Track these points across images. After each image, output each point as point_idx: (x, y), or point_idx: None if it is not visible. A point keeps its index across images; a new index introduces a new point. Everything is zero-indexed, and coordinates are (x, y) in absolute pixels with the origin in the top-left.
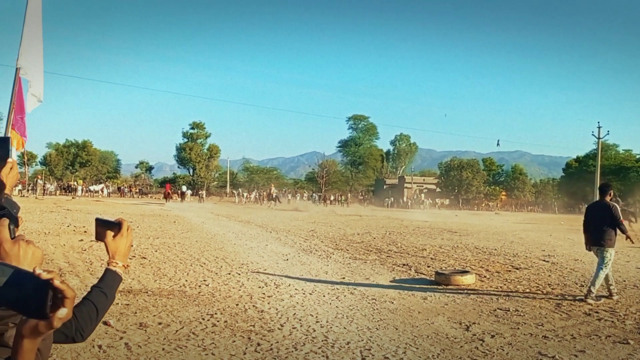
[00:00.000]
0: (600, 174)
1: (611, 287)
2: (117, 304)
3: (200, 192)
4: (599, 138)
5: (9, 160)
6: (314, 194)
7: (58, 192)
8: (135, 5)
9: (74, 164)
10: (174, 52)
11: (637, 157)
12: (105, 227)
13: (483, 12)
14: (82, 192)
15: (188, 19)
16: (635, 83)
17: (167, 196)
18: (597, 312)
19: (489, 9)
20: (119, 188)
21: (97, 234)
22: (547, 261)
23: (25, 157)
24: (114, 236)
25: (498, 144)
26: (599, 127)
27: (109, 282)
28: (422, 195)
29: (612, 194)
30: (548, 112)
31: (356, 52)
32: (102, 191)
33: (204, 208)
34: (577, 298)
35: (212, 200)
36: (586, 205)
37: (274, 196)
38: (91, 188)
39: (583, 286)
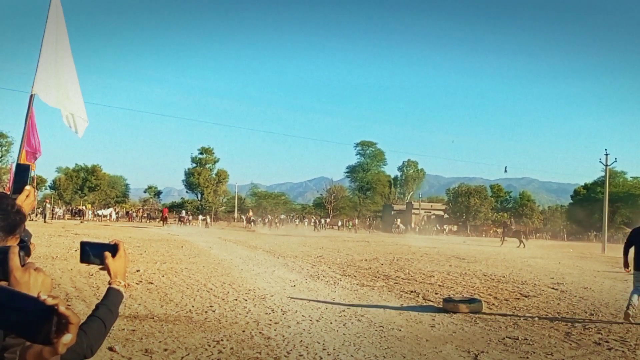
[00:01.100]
0: (609, 201)
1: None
2: (123, 329)
3: (204, 217)
4: (606, 165)
5: (27, 187)
6: (322, 219)
7: (67, 216)
8: (145, 30)
9: (83, 188)
10: (184, 79)
11: None
12: (100, 250)
13: (490, 38)
14: (90, 216)
15: (197, 46)
16: None
17: (164, 220)
18: (607, 342)
19: (496, 35)
20: (127, 212)
21: (85, 257)
22: (556, 289)
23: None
24: (114, 257)
25: (505, 171)
26: (607, 155)
27: (113, 299)
28: (423, 221)
29: None
30: (555, 139)
31: (364, 78)
32: (111, 215)
33: (209, 233)
34: (619, 321)
35: (219, 225)
36: (630, 230)
37: (251, 219)
38: (99, 212)
39: (593, 314)
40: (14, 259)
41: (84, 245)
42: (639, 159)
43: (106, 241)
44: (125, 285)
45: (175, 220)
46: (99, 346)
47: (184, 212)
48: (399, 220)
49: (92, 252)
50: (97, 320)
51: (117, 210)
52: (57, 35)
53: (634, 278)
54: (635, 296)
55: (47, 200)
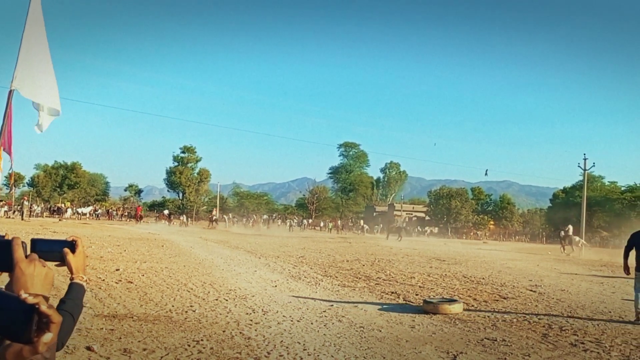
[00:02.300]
0: (586, 205)
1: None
2: (102, 329)
3: (182, 216)
4: (584, 170)
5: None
6: (303, 220)
7: (45, 214)
8: (126, 27)
9: (62, 185)
10: (166, 76)
11: (622, 189)
12: (57, 247)
13: (472, 43)
14: (69, 215)
15: (179, 44)
16: (620, 117)
17: (138, 218)
18: (583, 343)
19: (478, 39)
20: (107, 211)
21: (42, 255)
22: (535, 291)
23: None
24: (74, 253)
25: (486, 174)
26: (585, 159)
27: (77, 293)
28: (404, 224)
29: None
30: (536, 143)
31: (348, 79)
32: (91, 214)
33: (190, 232)
34: (632, 321)
35: (201, 224)
36: (631, 233)
37: (213, 219)
38: (79, 210)
39: (569, 316)
40: (19, 250)
41: (34, 243)
42: (617, 164)
43: (63, 238)
44: (86, 280)
45: (156, 219)
46: (68, 339)
47: (166, 211)
48: (362, 221)
49: (46, 249)
50: (67, 315)
51: (97, 209)
52: (36, 31)
53: (635, 280)
54: None
55: (25, 198)
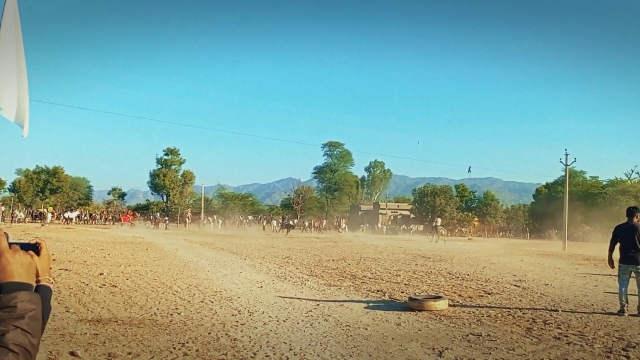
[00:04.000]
0: (569, 200)
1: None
2: (86, 333)
3: (165, 218)
4: (566, 165)
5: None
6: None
7: (27, 219)
8: (106, 29)
9: (44, 190)
10: (147, 78)
11: (603, 183)
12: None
13: (455, 41)
14: (50, 219)
15: (160, 45)
16: (600, 113)
17: (131, 221)
18: (566, 336)
19: (461, 38)
20: (90, 215)
21: None
22: (519, 286)
23: None
24: (39, 256)
25: (469, 171)
26: (567, 155)
27: (46, 294)
28: (384, 224)
29: (638, 216)
30: (518, 140)
31: (330, 79)
32: (79, 218)
33: (174, 234)
34: (616, 313)
35: (186, 227)
36: (614, 227)
37: (157, 220)
38: (66, 215)
39: (553, 310)
40: (3, 241)
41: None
42: (598, 159)
43: (26, 241)
44: (52, 282)
45: (152, 222)
46: (39, 342)
47: (158, 214)
48: (343, 221)
49: None
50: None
51: (83, 213)
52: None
53: (619, 271)
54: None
55: (5, 203)
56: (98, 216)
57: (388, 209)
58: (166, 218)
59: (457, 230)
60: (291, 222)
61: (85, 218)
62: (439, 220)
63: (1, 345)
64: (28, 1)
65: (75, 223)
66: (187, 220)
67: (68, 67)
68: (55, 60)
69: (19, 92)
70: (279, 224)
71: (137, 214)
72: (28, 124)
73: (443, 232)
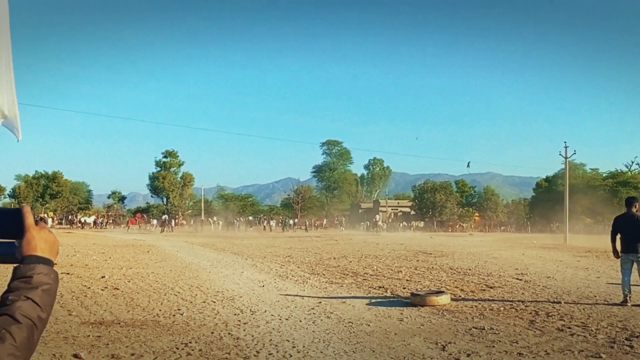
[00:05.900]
0: (569, 193)
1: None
2: (89, 336)
3: (167, 220)
4: (566, 157)
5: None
6: (289, 220)
7: None
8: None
9: (44, 195)
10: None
11: (604, 175)
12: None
13: (450, 34)
14: (51, 224)
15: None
16: (600, 105)
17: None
18: (569, 328)
19: (457, 30)
20: (113, 219)
21: None
22: (520, 279)
23: None
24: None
25: (468, 166)
26: (566, 147)
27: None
28: (381, 221)
29: (637, 205)
30: (517, 133)
31: (327, 77)
32: (95, 222)
33: (175, 236)
34: (619, 303)
35: (186, 229)
36: (614, 217)
37: (165, 223)
38: (82, 220)
39: (556, 302)
40: (29, 217)
41: None
42: (598, 151)
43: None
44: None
45: (160, 224)
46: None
47: (165, 216)
48: (343, 219)
49: None
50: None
51: (99, 217)
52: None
53: (622, 262)
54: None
55: None
56: (100, 220)
57: (388, 206)
58: (166, 219)
59: (457, 226)
60: (291, 222)
61: (102, 222)
62: (377, 216)
63: (8, 314)
64: (28, 6)
65: (90, 228)
66: (165, 222)
67: (64, 72)
68: (53, 64)
69: (7, 95)
70: (279, 224)
71: (144, 215)
72: (19, 126)
73: (380, 224)
